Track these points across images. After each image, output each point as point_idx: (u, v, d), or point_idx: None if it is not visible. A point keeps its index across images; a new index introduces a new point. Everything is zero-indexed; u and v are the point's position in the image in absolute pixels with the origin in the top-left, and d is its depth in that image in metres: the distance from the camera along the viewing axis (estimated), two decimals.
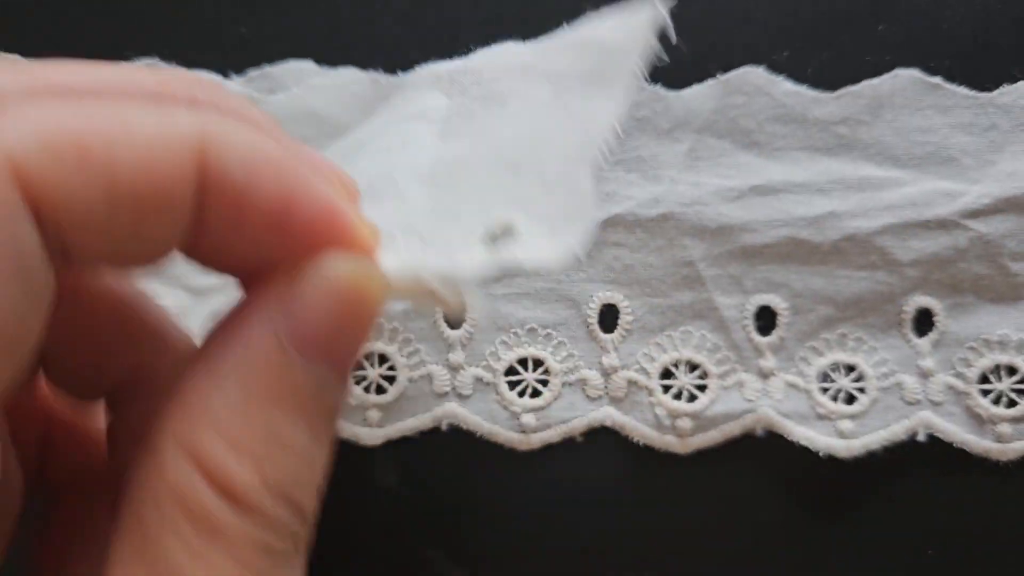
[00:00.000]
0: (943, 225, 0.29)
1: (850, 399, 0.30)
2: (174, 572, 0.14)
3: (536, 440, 0.30)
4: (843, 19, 0.31)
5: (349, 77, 0.30)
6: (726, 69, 0.31)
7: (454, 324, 0.31)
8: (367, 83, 0.30)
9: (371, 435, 0.30)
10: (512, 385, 0.30)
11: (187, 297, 0.30)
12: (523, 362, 0.30)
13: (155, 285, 0.30)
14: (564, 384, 0.30)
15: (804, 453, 0.29)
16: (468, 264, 0.17)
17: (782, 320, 0.30)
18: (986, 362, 0.30)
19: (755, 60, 0.31)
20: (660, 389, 0.30)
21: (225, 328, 0.16)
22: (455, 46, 0.31)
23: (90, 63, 0.15)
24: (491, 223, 0.18)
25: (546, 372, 0.30)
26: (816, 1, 0.31)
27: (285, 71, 0.31)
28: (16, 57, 0.31)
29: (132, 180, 0.13)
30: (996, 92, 0.30)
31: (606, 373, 0.30)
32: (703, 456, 0.30)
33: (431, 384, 0.30)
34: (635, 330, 0.30)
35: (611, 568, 0.30)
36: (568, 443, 0.30)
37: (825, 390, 0.30)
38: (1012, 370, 0.29)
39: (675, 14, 0.31)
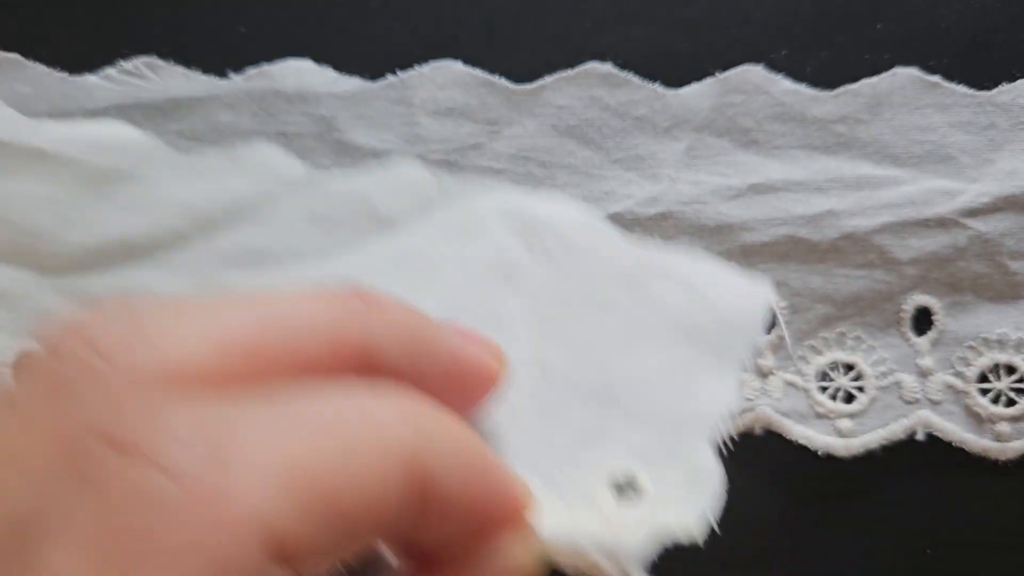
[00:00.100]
0: (942, 224, 0.29)
1: (849, 398, 0.30)
2: None
3: None
4: (842, 18, 0.31)
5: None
6: (724, 68, 0.31)
7: None
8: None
9: None
10: None
11: None
12: None
13: None
14: None
15: (802, 452, 0.29)
16: (630, 540, 0.18)
17: (781, 319, 0.30)
18: (985, 361, 0.30)
19: (754, 59, 0.31)
20: None
21: None
22: (455, 46, 0.31)
23: (244, 297, 0.16)
24: (613, 471, 0.21)
25: None
26: (815, 0, 0.31)
27: (284, 70, 0.31)
28: (16, 57, 0.32)
29: (356, 512, 0.14)
30: (995, 91, 0.30)
31: None
32: None
33: None
34: None
35: None
36: None
37: (824, 389, 0.30)
38: (1011, 369, 0.29)
39: (674, 12, 0.31)
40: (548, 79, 0.31)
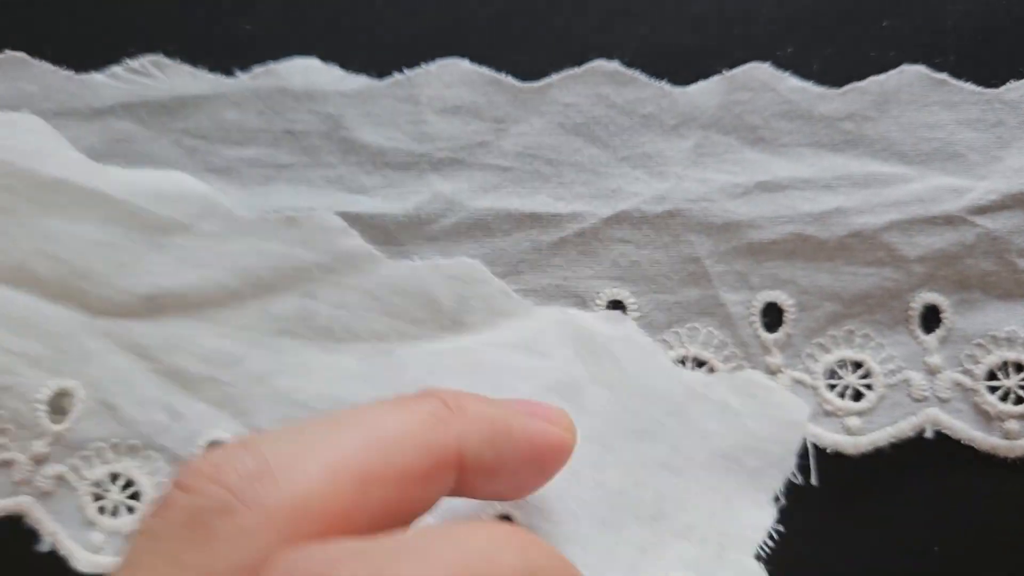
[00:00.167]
0: (950, 221, 0.29)
1: (857, 396, 0.30)
2: None
3: None
4: (847, 15, 0.31)
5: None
6: (730, 65, 0.31)
7: None
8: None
9: None
10: None
11: None
12: None
13: None
14: None
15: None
16: None
17: (789, 317, 0.30)
18: (994, 359, 0.29)
19: (759, 56, 0.31)
20: None
21: None
22: (462, 44, 0.31)
23: (351, 419, 0.19)
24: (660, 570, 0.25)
25: None
26: None
27: (290, 68, 0.31)
28: (22, 55, 0.31)
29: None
30: (1003, 88, 0.30)
31: None
32: None
33: None
34: (641, 326, 0.30)
35: None
36: None
37: (832, 387, 0.30)
38: (1020, 367, 0.29)
39: (680, 9, 0.31)
40: (555, 77, 0.31)
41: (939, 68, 0.30)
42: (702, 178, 0.30)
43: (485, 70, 0.31)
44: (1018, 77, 0.30)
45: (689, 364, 0.30)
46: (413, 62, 0.31)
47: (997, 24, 0.31)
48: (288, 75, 0.31)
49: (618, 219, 0.30)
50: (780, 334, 0.30)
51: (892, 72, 0.30)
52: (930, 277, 0.30)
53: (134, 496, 0.29)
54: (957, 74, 0.30)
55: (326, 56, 0.31)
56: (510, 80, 0.31)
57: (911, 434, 0.29)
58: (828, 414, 0.30)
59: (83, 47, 0.32)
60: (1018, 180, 0.29)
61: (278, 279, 0.29)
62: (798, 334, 0.30)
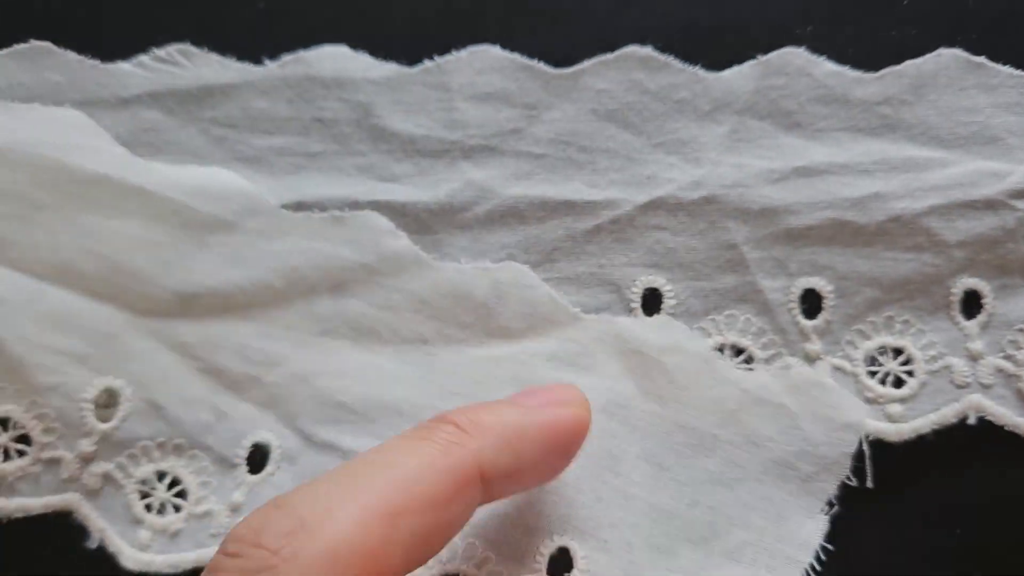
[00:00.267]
0: (990, 205, 0.29)
1: (898, 383, 0.29)
2: None
3: None
4: None
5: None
6: (749, 43, 0.31)
7: None
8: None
9: None
10: None
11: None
12: None
13: None
14: None
15: None
16: None
17: (828, 303, 0.30)
18: None
19: (778, 34, 0.31)
20: None
21: None
22: (493, 30, 0.31)
23: (374, 461, 0.21)
24: None
25: None
26: None
27: (319, 56, 0.31)
28: (48, 45, 0.31)
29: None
30: None
31: None
32: None
33: None
34: (678, 314, 0.30)
35: None
36: None
37: (873, 374, 0.29)
38: None
39: None
40: (587, 63, 0.31)
41: (960, 46, 0.30)
42: (738, 164, 0.30)
43: (516, 56, 0.31)
44: None
45: (727, 352, 0.30)
46: (444, 49, 0.31)
47: (1016, 3, 0.30)
48: (317, 63, 0.31)
49: (653, 206, 0.30)
50: (819, 321, 0.30)
51: (929, 56, 0.30)
52: (971, 262, 0.29)
53: (180, 495, 0.29)
54: (977, 53, 0.30)
55: (355, 44, 0.31)
56: (542, 66, 0.31)
57: (954, 420, 0.29)
58: (869, 401, 0.29)
59: (109, 36, 0.32)
60: None
61: (323, 279, 0.29)
62: (837, 320, 0.30)
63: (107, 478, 0.28)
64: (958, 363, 0.29)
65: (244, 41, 0.31)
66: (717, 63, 0.31)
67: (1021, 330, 0.29)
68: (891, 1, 0.31)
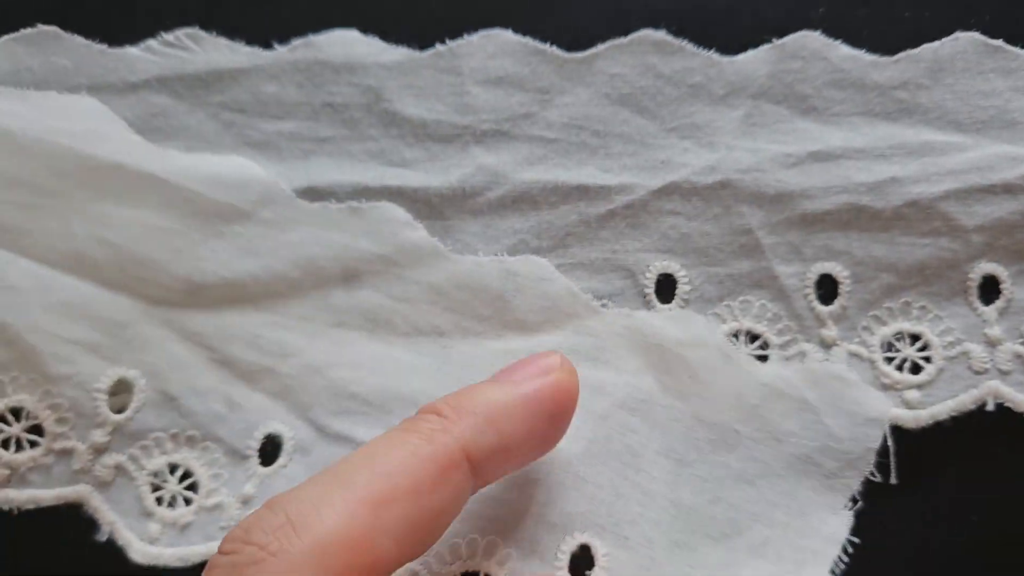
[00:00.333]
0: (1008, 189, 0.29)
1: (915, 369, 0.29)
2: None
3: None
4: None
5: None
6: (759, 24, 0.30)
7: None
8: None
9: None
10: None
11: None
12: None
13: None
14: None
15: None
16: None
17: (844, 288, 0.29)
18: None
19: (790, 16, 0.30)
20: None
21: None
22: (505, 13, 0.31)
23: (361, 459, 0.21)
24: None
25: None
26: None
27: (330, 40, 0.31)
28: (55, 29, 0.31)
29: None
30: None
31: None
32: None
33: None
34: (693, 300, 0.29)
35: None
36: None
37: (890, 360, 0.29)
38: None
39: None
40: (600, 47, 0.30)
41: (977, 29, 0.30)
42: (753, 148, 0.30)
43: (529, 40, 0.30)
44: None
45: (742, 338, 0.29)
46: (455, 33, 0.31)
47: None
48: (328, 47, 0.31)
49: (667, 191, 0.30)
50: (835, 306, 0.29)
51: (946, 39, 0.30)
52: (988, 247, 0.29)
53: (191, 487, 0.28)
54: (989, 33, 0.30)
55: (366, 28, 0.31)
56: (554, 50, 0.30)
57: (972, 407, 0.28)
58: (886, 388, 0.29)
59: (117, 20, 0.31)
60: None
61: (339, 270, 0.28)
62: (853, 306, 0.29)
63: (119, 469, 0.28)
64: (976, 349, 0.29)
65: (253, 25, 0.31)
66: (732, 47, 0.30)
67: None
68: None
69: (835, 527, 0.26)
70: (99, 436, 0.28)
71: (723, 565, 0.26)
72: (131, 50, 0.31)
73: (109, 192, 0.28)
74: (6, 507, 0.28)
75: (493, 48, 0.30)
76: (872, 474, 0.27)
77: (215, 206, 0.28)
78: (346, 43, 0.31)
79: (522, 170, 0.30)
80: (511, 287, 0.28)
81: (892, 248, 0.29)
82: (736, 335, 0.29)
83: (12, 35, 0.31)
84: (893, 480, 0.27)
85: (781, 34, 0.30)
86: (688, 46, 0.30)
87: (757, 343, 0.29)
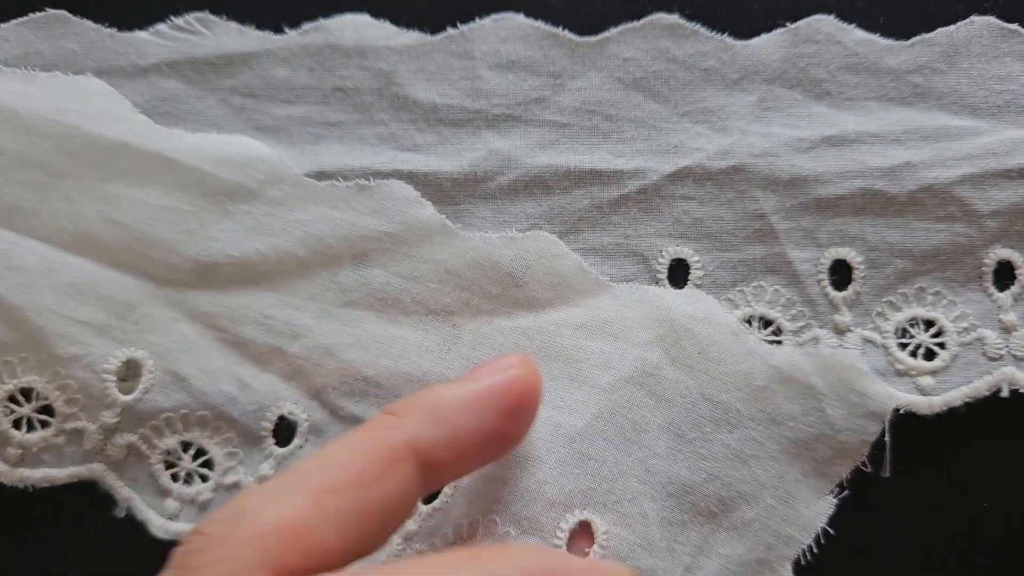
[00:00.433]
0: None
1: (929, 355, 0.29)
2: None
3: None
4: None
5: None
6: (773, 9, 0.30)
7: None
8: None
9: None
10: None
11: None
12: None
13: None
14: None
15: None
16: None
17: (858, 274, 0.29)
18: None
19: (806, 2, 0.30)
20: None
21: None
22: None
23: (315, 457, 0.22)
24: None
25: None
26: None
27: (340, 24, 0.31)
28: (64, 13, 0.31)
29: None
30: None
31: None
32: None
33: None
34: (706, 285, 0.29)
35: None
36: None
37: (904, 346, 0.29)
38: None
39: None
40: (613, 31, 0.30)
41: (992, 13, 0.30)
42: (766, 133, 0.29)
43: (541, 24, 0.30)
44: None
45: (756, 323, 0.29)
46: (467, 16, 0.30)
47: None
48: (338, 31, 0.30)
49: (680, 175, 0.30)
50: (849, 292, 0.29)
51: (961, 23, 0.30)
52: (1004, 232, 0.29)
53: (206, 465, 0.28)
54: (1005, 18, 0.29)
55: (377, 11, 0.31)
56: (567, 34, 0.30)
57: (986, 393, 0.28)
58: (900, 374, 0.29)
59: (126, 4, 0.31)
60: None
61: (347, 249, 0.28)
62: (867, 292, 0.29)
63: (131, 449, 0.28)
64: (991, 335, 0.29)
65: (264, 9, 0.31)
66: (745, 31, 0.30)
67: None
68: None
69: (815, 513, 0.27)
70: (109, 417, 0.28)
71: (705, 543, 0.27)
72: (141, 34, 0.31)
73: (117, 172, 0.28)
74: (21, 486, 0.28)
75: (505, 32, 0.30)
76: (864, 464, 0.27)
77: (223, 185, 0.28)
78: (357, 27, 0.30)
79: (534, 154, 0.30)
80: (520, 264, 0.28)
81: (907, 233, 0.29)
82: (749, 320, 0.29)
83: (21, 19, 0.30)
84: (886, 473, 0.27)
85: (795, 18, 0.30)
86: (701, 30, 0.30)
87: (770, 329, 0.29)
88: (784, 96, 0.30)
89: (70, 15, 0.31)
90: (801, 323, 0.29)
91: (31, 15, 0.30)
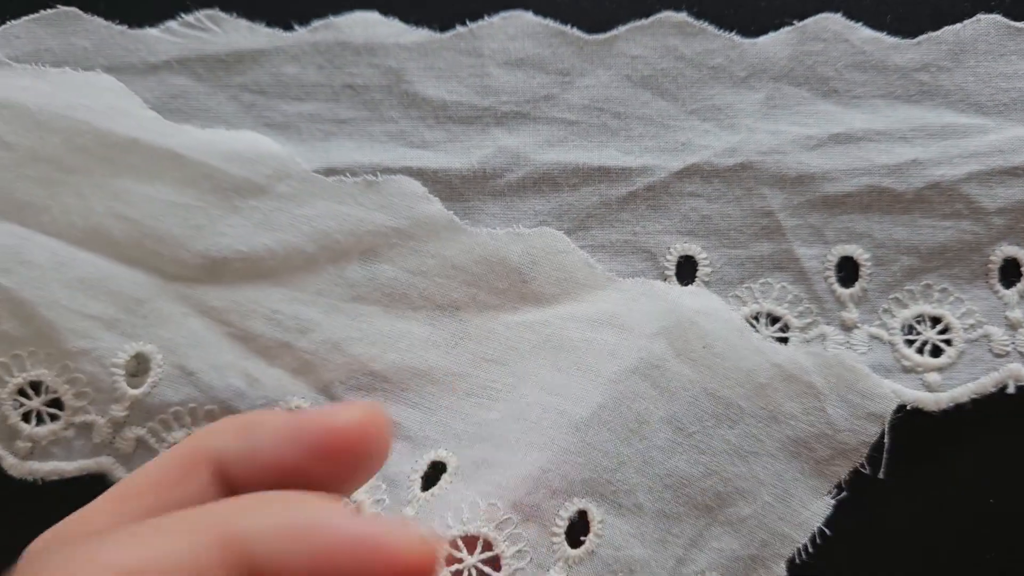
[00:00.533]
0: None
1: (936, 351, 0.29)
2: None
3: None
4: None
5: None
6: (780, 8, 0.30)
7: None
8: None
9: None
10: None
11: None
12: None
13: None
14: None
15: None
16: None
17: (865, 271, 0.29)
18: None
19: (813, 0, 0.30)
20: None
21: None
22: None
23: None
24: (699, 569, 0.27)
25: None
26: None
27: (350, 21, 0.31)
28: (74, 10, 0.31)
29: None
30: None
31: None
32: None
33: None
34: (713, 282, 0.29)
35: None
36: None
37: (910, 342, 0.29)
38: None
39: None
40: (621, 29, 0.30)
41: (999, 12, 0.30)
42: (774, 130, 0.30)
43: (549, 22, 0.30)
44: None
45: (763, 320, 0.29)
46: (476, 14, 0.31)
47: None
48: (348, 29, 0.31)
49: (688, 172, 0.30)
50: (856, 289, 0.29)
51: (968, 21, 0.30)
52: (1010, 229, 0.29)
53: None
54: (1011, 15, 0.30)
55: (386, 9, 0.31)
56: (575, 32, 0.30)
57: (992, 390, 0.28)
58: (907, 370, 0.29)
59: (136, 1, 0.31)
60: None
61: (355, 244, 0.29)
62: (874, 289, 0.29)
63: (140, 442, 0.28)
64: (997, 332, 0.29)
65: (273, 6, 0.31)
66: (753, 29, 0.30)
67: None
68: None
69: (812, 513, 0.27)
70: (118, 410, 0.28)
71: (699, 536, 0.27)
72: (151, 31, 0.31)
73: (127, 168, 0.28)
74: (30, 478, 0.28)
75: (514, 30, 0.30)
76: (862, 466, 0.27)
77: (231, 181, 0.28)
78: (367, 24, 0.31)
79: (543, 152, 0.30)
80: (527, 260, 0.28)
81: (913, 230, 0.29)
82: (756, 317, 0.29)
83: (32, 16, 0.31)
84: (881, 475, 0.27)
85: (802, 16, 0.30)
86: (709, 28, 0.30)
87: (777, 325, 0.29)
88: (791, 94, 0.30)
89: (81, 12, 0.31)
90: (808, 320, 0.29)
91: (42, 12, 0.31)
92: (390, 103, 0.30)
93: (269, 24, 0.31)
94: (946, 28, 0.30)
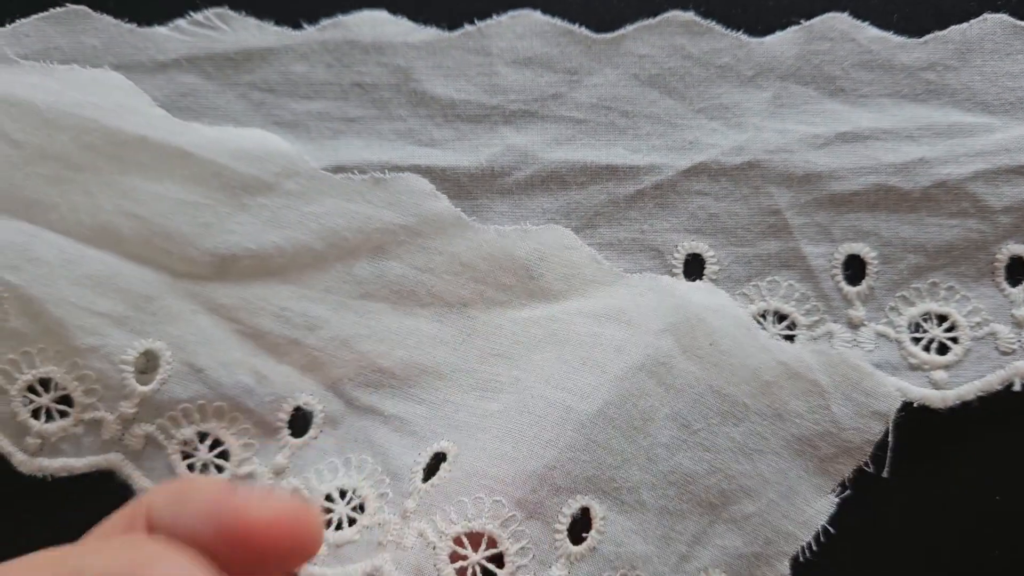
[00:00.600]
0: None
1: (943, 349, 0.29)
2: None
3: None
4: None
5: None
6: (787, 7, 0.30)
7: None
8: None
9: None
10: None
11: None
12: None
13: None
14: None
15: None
16: None
17: (871, 269, 0.29)
18: None
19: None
20: None
21: None
22: None
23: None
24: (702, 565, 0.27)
25: None
26: None
27: (359, 20, 0.31)
28: (84, 9, 0.31)
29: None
30: None
31: None
32: None
33: None
34: (720, 280, 0.30)
35: None
36: None
37: (917, 340, 0.29)
38: None
39: None
40: (629, 28, 0.31)
41: (1006, 11, 0.30)
42: (781, 129, 0.30)
43: (557, 21, 0.31)
44: None
45: (770, 318, 0.29)
46: (484, 13, 0.31)
47: None
48: (356, 27, 0.31)
49: (696, 171, 0.30)
50: (863, 287, 0.29)
51: (974, 20, 0.30)
52: (1016, 228, 0.29)
53: (222, 455, 0.29)
54: (1019, 16, 0.30)
55: (395, 8, 0.31)
56: (583, 31, 0.31)
57: (999, 387, 0.28)
58: (913, 368, 0.29)
59: (145, 0, 0.31)
60: None
61: (363, 241, 0.29)
62: (881, 287, 0.29)
63: (148, 439, 0.28)
64: (1003, 330, 0.29)
65: (282, 5, 0.31)
66: (760, 28, 0.30)
67: None
68: None
69: (816, 511, 0.27)
70: (127, 407, 0.28)
71: (703, 533, 0.27)
72: (160, 30, 0.31)
73: (135, 166, 0.28)
74: (40, 475, 0.28)
75: (522, 29, 0.31)
76: (866, 464, 0.27)
77: (240, 178, 0.28)
78: (375, 23, 0.31)
79: (551, 150, 0.30)
80: (534, 256, 0.28)
81: (920, 229, 0.29)
82: (764, 315, 0.29)
83: (42, 15, 0.31)
84: (885, 475, 0.27)
85: (809, 16, 0.30)
86: (716, 27, 0.30)
87: (784, 323, 0.29)
88: (798, 93, 0.30)
89: (90, 11, 0.31)
90: (815, 318, 0.29)
91: (52, 10, 0.31)
92: (399, 101, 0.31)
93: (278, 23, 0.31)
94: (953, 27, 0.30)
